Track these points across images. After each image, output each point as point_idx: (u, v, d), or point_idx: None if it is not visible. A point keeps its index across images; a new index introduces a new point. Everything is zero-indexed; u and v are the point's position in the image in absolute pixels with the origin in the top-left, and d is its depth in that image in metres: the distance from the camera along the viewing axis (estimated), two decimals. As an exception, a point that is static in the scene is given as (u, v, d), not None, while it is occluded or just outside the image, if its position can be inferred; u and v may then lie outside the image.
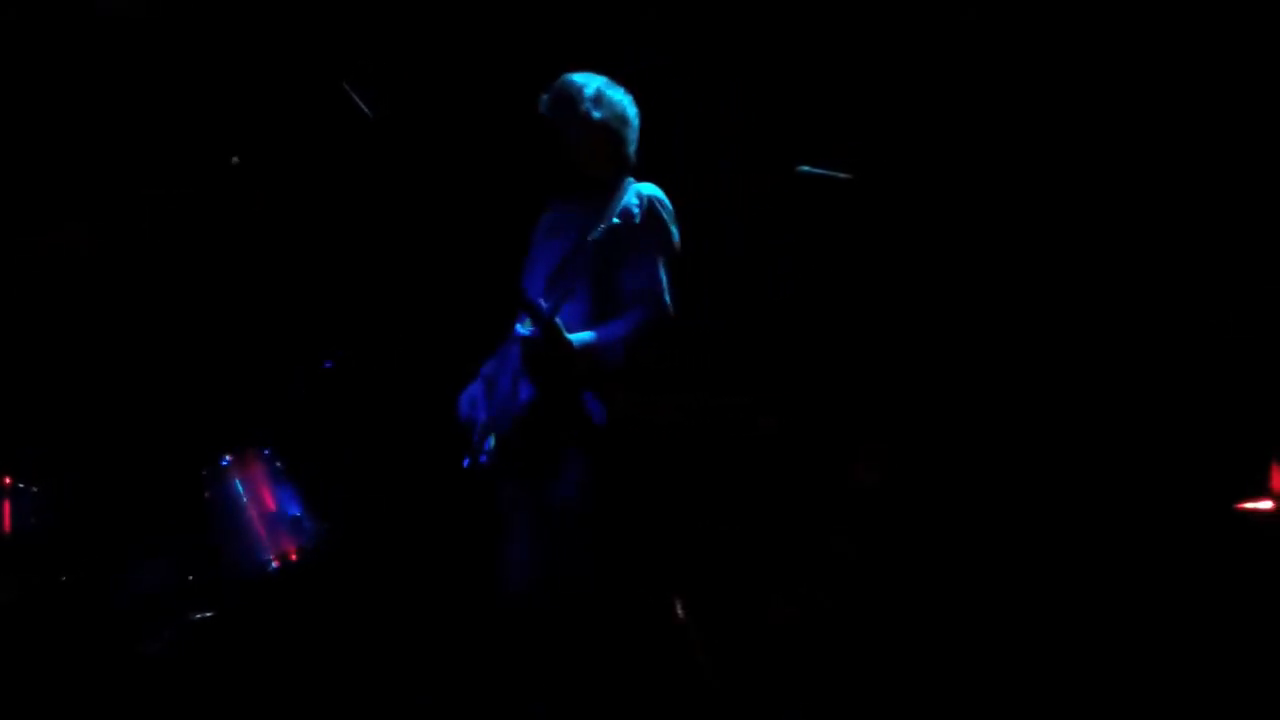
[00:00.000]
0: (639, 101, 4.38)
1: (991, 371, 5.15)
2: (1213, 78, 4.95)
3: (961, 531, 5.03)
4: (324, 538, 5.08)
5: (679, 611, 4.47)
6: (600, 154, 4.34)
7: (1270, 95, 4.85)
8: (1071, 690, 4.61)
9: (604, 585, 4.23)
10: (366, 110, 4.68)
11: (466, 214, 5.63)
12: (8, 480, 4.86)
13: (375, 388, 5.58)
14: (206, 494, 5.05)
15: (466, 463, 4.31)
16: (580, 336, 4.20)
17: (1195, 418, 4.88)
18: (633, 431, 4.21)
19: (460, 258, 5.55)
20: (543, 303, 4.16)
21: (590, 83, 4.35)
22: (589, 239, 4.25)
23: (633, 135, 4.41)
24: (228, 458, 5.08)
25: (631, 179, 4.38)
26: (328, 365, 5.36)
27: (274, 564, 4.97)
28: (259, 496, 5.04)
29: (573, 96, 4.32)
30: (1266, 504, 4.50)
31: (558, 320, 4.10)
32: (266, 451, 5.15)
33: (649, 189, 4.37)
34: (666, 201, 4.38)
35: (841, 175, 4.55)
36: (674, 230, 4.35)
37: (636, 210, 4.31)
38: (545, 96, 4.34)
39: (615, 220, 4.25)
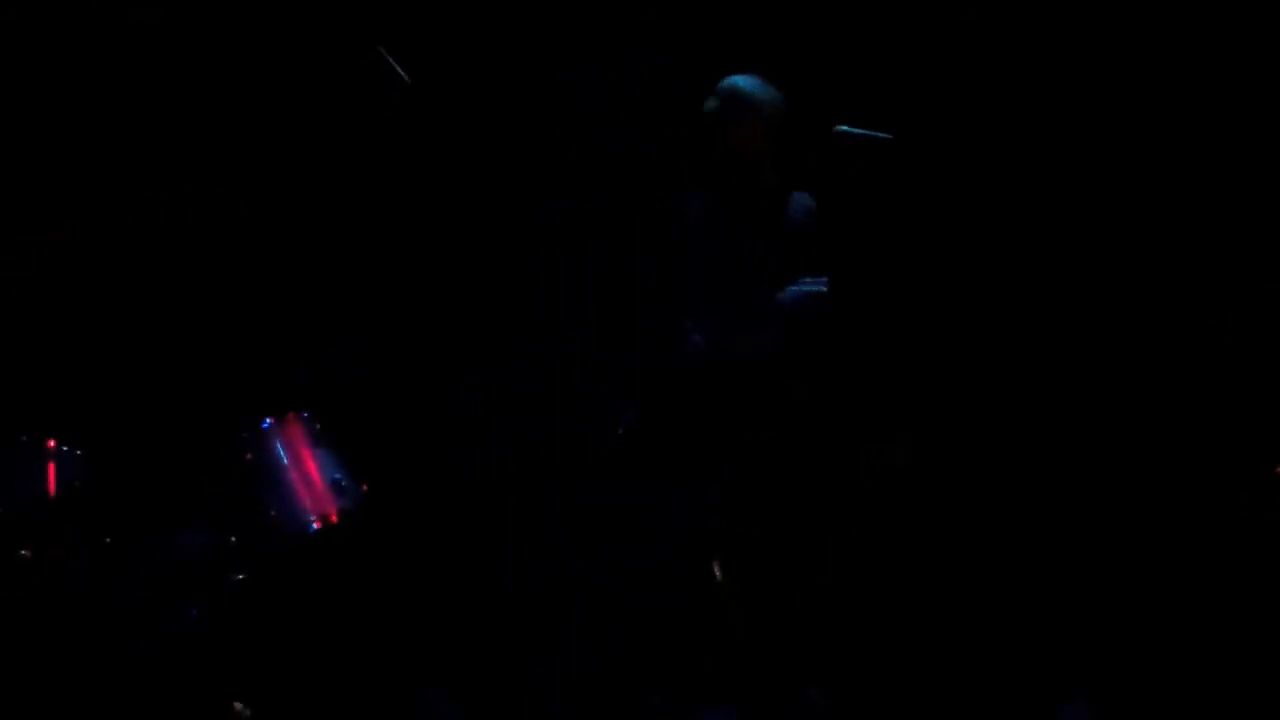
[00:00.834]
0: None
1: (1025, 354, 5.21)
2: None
3: (986, 512, 5.08)
4: (363, 501, 5.14)
5: (716, 573, 4.54)
6: (768, 156, 4.46)
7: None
8: (1085, 669, 4.67)
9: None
10: (403, 74, 4.69)
11: (476, 203, 5.66)
12: (52, 443, 4.87)
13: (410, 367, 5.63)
14: (248, 456, 5.09)
15: None
16: None
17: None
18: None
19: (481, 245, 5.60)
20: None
21: (761, 89, 4.49)
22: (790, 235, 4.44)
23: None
24: (269, 420, 5.13)
25: None
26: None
27: (315, 525, 5.02)
28: (300, 459, 5.09)
29: (750, 102, 4.45)
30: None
31: None
32: (307, 414, 5.20)
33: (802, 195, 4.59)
34: None
35: (882, 135, 4.59)
36: None
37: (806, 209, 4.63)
38: (715, 100, 4.47)
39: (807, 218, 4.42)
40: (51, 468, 4.83)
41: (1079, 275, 5.14)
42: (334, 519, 5.04)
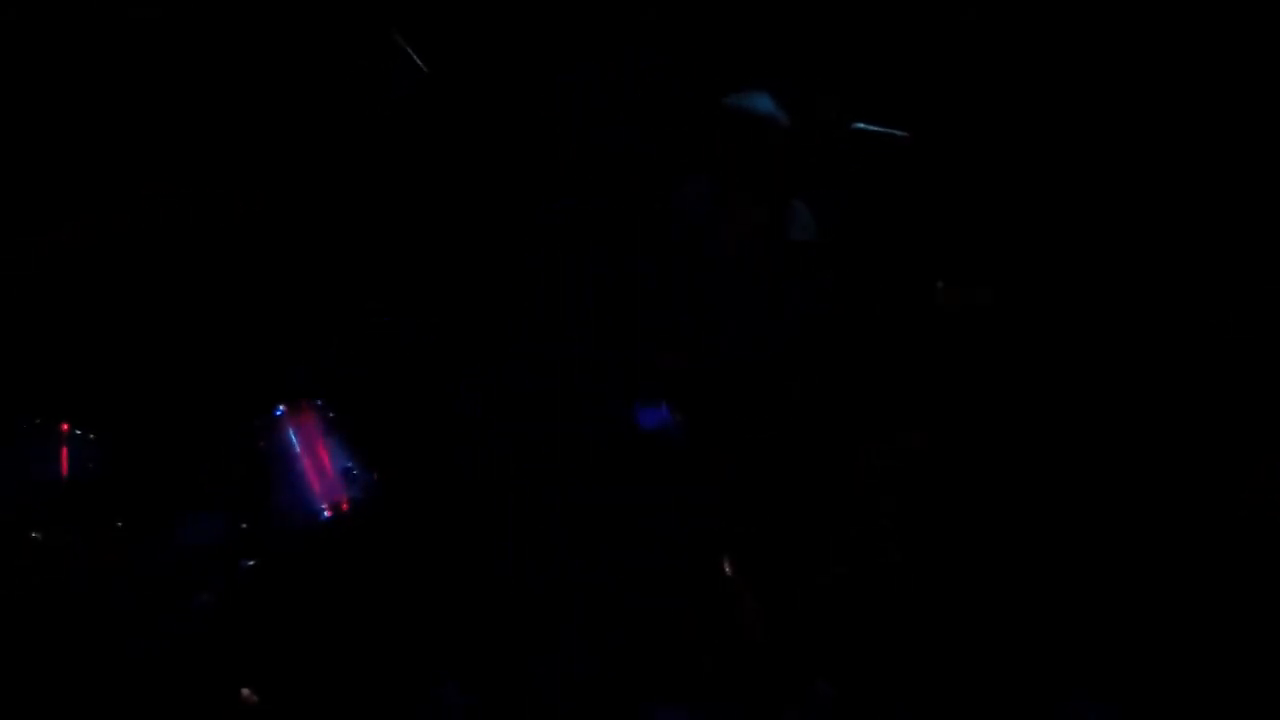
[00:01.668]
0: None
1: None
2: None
3: (986, 512, 5.09)
4: (374, 489, 5.15)
5: (727, 567, 4.56)
6: (781, 162, 4.51)
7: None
8: (1088, 666, 4.67)
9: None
10: (420, 63, 4.69)
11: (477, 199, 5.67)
12: (65, 426, 4.88)
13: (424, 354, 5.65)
14: (260, 443, 5.11)
15: None
16: None
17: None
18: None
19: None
20: None
21: (769, 108, 4.56)
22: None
23: None
24: (282, 408, 5.15)
25: None
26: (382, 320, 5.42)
27: (326, 513, 5.04)
28: (312, 446, 5.11)
29: (774, 111, 4.51)
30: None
31: None
32: (319, 403, 5.22)
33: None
34: None
35: (898, 133, 4.61)
36: None
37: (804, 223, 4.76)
38: (743, 104, 4.52)
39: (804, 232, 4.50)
40: (64, 452, 4.85)
41: (1083, 274, 5.15)
42: (345, 507, 5.07)
